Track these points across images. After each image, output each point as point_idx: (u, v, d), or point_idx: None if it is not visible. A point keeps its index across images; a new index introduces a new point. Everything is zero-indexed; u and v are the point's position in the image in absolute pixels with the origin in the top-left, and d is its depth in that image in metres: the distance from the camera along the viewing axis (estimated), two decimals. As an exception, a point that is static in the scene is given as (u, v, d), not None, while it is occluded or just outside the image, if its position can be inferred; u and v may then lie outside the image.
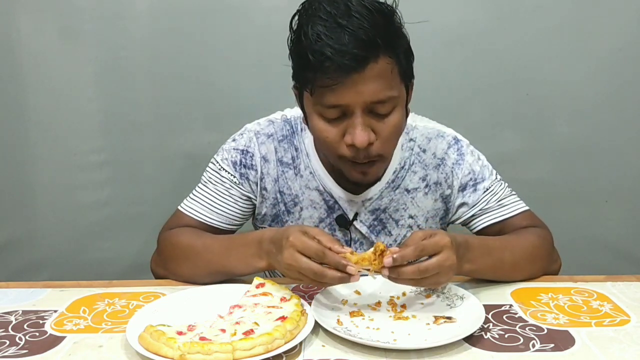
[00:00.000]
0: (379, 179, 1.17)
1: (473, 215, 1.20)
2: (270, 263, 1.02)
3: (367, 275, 0.96)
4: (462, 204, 1.20)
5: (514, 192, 1.22)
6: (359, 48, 0.93)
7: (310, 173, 1.18)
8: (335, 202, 1.18)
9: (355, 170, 1.05)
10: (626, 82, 1.75)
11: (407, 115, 1.08)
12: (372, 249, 0.93)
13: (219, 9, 1.71)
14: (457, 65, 1.74)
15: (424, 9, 1.66)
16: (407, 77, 1.04)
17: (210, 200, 1.18)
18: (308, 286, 1.09)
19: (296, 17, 1.00)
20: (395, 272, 0.91)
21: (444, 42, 1.71)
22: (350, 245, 1.20)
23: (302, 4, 1.01)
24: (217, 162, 1.19)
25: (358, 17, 0.94)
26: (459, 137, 1.21)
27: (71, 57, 1.73)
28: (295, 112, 1.22)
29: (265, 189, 1.19)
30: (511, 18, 1.72)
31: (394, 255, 0.90)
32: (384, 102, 0.99)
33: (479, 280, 1.10)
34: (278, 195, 1.19)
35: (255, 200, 1.21)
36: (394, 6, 1.00)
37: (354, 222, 1.19)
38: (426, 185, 1.19)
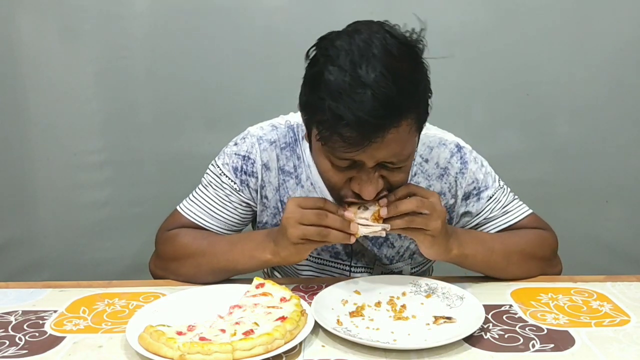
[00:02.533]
0: None
1: (478, 224, 1.17)
2: (275, 252, 1.01)
3: (367, 275, 0.96)
4: (466, 213, 1.17)
5: (516, 197, 1.20)
6: (382, 117, 0.86)
7: (312, 184, 1.14)
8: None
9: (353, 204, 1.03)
10: (626, 82, 1.76)
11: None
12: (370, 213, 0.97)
13: (219, 9, 1.71)
14: (458, 65, 1.74)
15: (425, 9, 1.66)
16: (423, 124, 0.98)
17: (210, 205, 1.17)
18: (308, 286, 1.09)
19: (313, 51, 0.93)
20: (393, 208, 0.94)
21: (444, 43, 1.71)
22: (351, 258, 1.19)
23: (321, 39, 0.94)
24: (218, 167, 1.16)
25: (383, 72, 0.85)
26: (461, 143, 1.18)
27: (71, 57, 1.74)
28: (300, 118, 1.19)
29: (266, 197, 1.17)
30: (511, 18, 1.72)
31: (388, 197, 0.96)
32: (396, 162, 0.95)
33: (479, 280, 1.10)
34: (279, 204, 1.17)
35: (256, 207, 1.18)
36: (420, 37, 0.93)
37: None
38: None
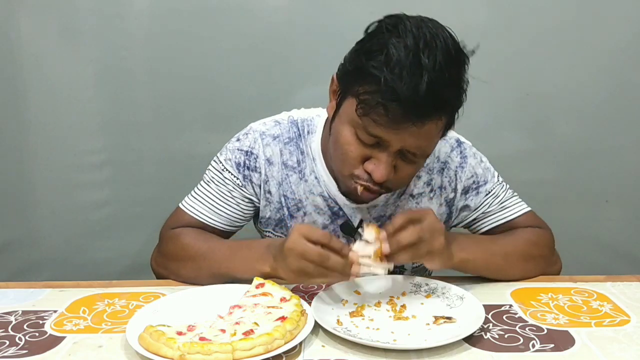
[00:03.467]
0: None
1: (475, 219, 1.19)
2: (274, 268, 1.01)
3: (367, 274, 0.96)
4: (465, 207, 1.19)
5: (515, 194, 1.21)
6: (430, 105, 0.90)
7: (316, 178, 1.15)
8: (340, 208, 1.17)
9: (356, 189, 1.03)
10: (626, 82, 1.76)
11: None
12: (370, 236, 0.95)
13: (219, 8, 1.71)
14: (457, 65, 1.74)
15: (425, 9, 1.66)
16: (446, 131, 1.02)
17: (212, 201, 1.17)
18: (308, 286, 1.09)
19: (376, 25, 0.95)
20: (395, 242, 0.92)
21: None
22: None
23: (389, 16, 0.95)
24: (221, 162, 1.17)
25: (442, 64, 0.88)
26: (461, 139, 1.20)
27: (71, 57, 1.73)
28: (302, 113, 1.19)
29: (269, 192, 1.17)
30: (512, 18, 1.72)
31: (387, 228, 0.94)
32: (416, 154, 0.98)
33: (479, 280, 1.10)
34: (282, 199, 1.17)
35: (258, 203, 1.19)
36: (469, 54, 0.96)
37: (359, 229, 1.17)
38: (431, 190, 1.19)
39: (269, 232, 1.22)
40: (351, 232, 1.16)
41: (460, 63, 0.94)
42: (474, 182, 1.18)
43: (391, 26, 0.92)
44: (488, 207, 1.18)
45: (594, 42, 1.73)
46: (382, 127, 0.93)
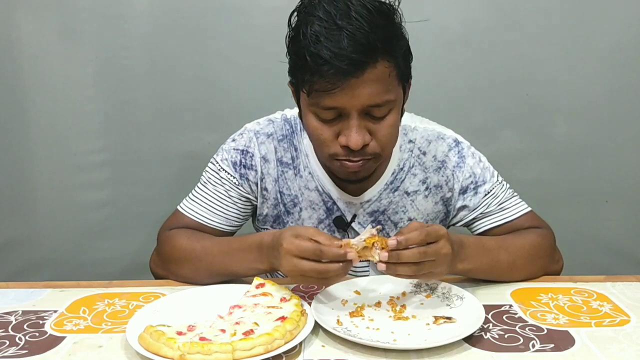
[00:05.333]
0: (376, 180, 1.17)
1: (474, 219, 1.19)
2: (272, 266, 1.02)
3: (367, 275, 0.96)
4: (463, 207, 1.19)
5: (515, 194, 1.21)
6: (358, 52, 0.92)
7: (310, 173, 1.17)
8: (334, 203, 1.18)
9: (347, 168, 1.04)
10: (626, 82, 1.75)
11: (402, 115, 1.08)
12: (365, 235, 0.92)
13: (219, 8, 1.71)
14: (457, 65, 1.74)
15: (425, 9, 1.66)
16: (404, 78, 1.03)
17: (210, 202, 1.18)
18: (308, 286, 1.09)
19: (295, 14, 0.99)
20: (395, 256, 0.90)
21: (444, 42, 1.71)
22: None
23: (302, 1, 1.00)
24: (217, 163, 1.18)
25: (357, 18, 0.92)
26: (460, 139, 1.20)
27: (71, 57, 1.73)
28: (296, 111, 1.21)
29: (266, 189, 1.18)
30: (511, 18, 1.72)
31: (399, 238, 0.89)
32: (380, 106, 0.98)
33: (479, 280, 1.10)
34: (278, 195, 1.18)
35: (255, 201, 1.20)
36: (396, 4, 0.99)
37: (352, 224, 1.18)
38: (426, 188, 1.19)
39: (267, 229, 1.23)
40: (344, 226, 1.18)
41: (384, 14, 0.96)
42: (472, 182, 1.18)
43: (304, 8, 0.98)
44: (487, 208, 1.17)
45: (594, 42, 1.73)
46: (328, 94, 0.95)
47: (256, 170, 1.17)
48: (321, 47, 0.92)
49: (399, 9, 0.99)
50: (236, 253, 1.07)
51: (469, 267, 1.03)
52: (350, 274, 1.19)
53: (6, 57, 1.72)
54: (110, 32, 1.72)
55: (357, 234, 1.18)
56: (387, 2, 0.99)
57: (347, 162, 1.03)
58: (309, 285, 1.08)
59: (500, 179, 1.20)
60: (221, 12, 1.71)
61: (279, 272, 1.28)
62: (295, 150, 1.18)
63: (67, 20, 1.71)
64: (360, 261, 0.92)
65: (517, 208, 1.18)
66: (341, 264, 0.91)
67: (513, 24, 1.72)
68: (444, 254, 0.93)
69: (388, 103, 0.99)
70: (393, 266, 0.91)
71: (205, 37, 1.73)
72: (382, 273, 0.93)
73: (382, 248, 0.90)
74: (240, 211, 1.20)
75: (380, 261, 0.90)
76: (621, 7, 1.70)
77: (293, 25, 0.99)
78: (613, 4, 1.70)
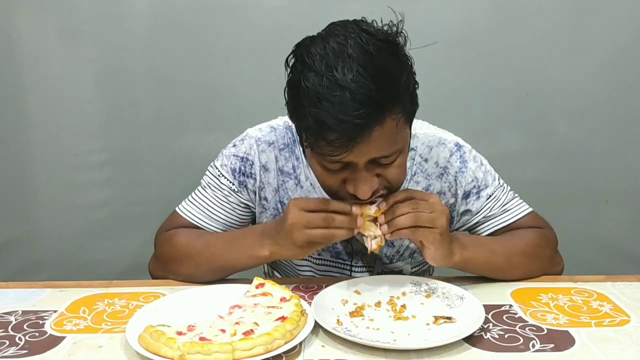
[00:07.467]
0: None
1: (477, 222, 1.18)
2: (273, 251, 1.02)
3: (367, 275, 0.96)
4: (466, 212, 1.18)
5: (516, 195, 1.20)
6: (363, 117, 0.85)
7: (311, 184, 1.15)
8: None
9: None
10: (626, 82, 1.76)
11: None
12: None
13: (219, 9, 1.71)
14: (457, 65, 1.74)
15: (424, 9, 1.66)
16: (412, 116, 0.98)
17: (208, 206, 1.17)
18: (308, 286, 1.09)
19: (291, 59, 0.93)
20: (391, 212, 0.94)
21: (444, 43, 1.71)
22: (352, 258, 1.19)
23: (297, 46, 0.94)
24: (217, 168, 1.17)
25: (360, 70, 0.85)
26: (461, 142, 1.18)
27: (71, 57, 1.74)
28: None
29: (265, 198, 1.17)
30: (511, 18, 1.72)
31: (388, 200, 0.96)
32: (388, 157, 0.95)
33: (479, 280, 1.10)
34: (279, 205, 1.16)
35: (254, 208, 1.19)
36: (399, 30, 0.92)
37: (355, 235, 1.17)
38: None
39: None
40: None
41: (386, 52, 0.89)
42: (474, 186, 1.16)
43: (300, 57, 0.91)
44: (490, 211, 1.17)
45: (594, 42, 1.73)
46: (335, 155, 0.90)
47: (255, 179, 1.15)
48: (323, 111, 0.85)
49: (403, 32, 0.92)
50: (236, 240, 1.07)
51: (467, 256, 1.03)
52: (351, 275, 1.19)
53: (6, 57, 1.72)
54: (110, 32, 1.72)
55: (361, 244, 1.17)
56: (387, 31, 0.92)
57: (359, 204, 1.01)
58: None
59: (501, 182, 1.19)
60: (221, 13, 1.71)
61: (274, 272, 1.28)
62: (297, 159, 1.16)
63: (67, 20, 1.72)
64: (362, 235, 0.99)
65: (519, 209, 1.18)
66: (347, 216, 0.95)
67: (513, 24, 1.72)
68: (441, 209, 0.97)
69: (396, 152, 0.96)
70: (392, 221, 0.96)
71: (205, 37, 1.73)
72: (375, 251, 1.00)
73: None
74: (239, 217, 1.19)
75: (378, 221, 0.97)
76: (621, 8, 1.70)
77: (291, 74, 0.93)
78: (613, 5, 1.70)
